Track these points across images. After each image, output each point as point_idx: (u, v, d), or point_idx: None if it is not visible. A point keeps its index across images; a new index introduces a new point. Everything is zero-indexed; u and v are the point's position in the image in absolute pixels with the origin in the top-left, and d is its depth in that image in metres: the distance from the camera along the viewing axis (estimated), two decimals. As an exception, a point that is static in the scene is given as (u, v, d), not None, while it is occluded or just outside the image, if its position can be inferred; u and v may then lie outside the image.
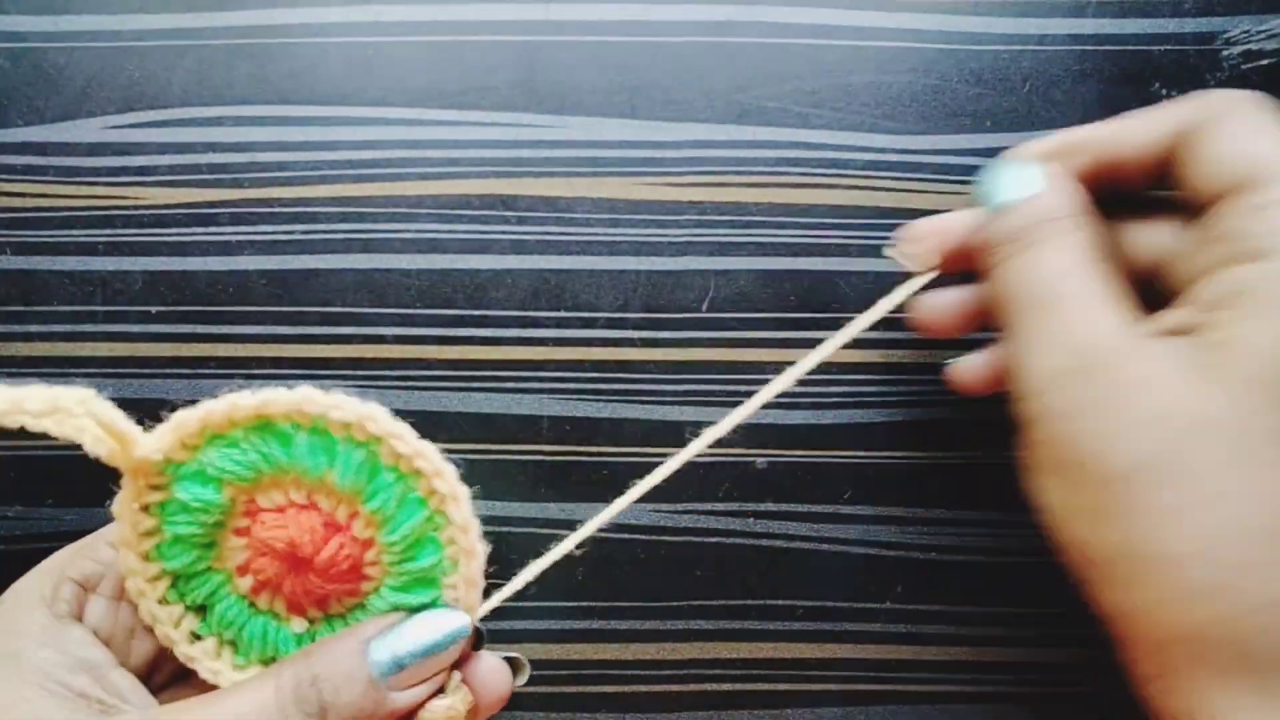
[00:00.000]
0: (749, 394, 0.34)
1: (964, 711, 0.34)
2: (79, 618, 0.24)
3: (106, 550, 0.25)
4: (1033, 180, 0.24)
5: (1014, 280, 0.23)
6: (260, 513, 0.25)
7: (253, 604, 0.26)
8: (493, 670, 0.24)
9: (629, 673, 0.34)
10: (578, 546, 0.28)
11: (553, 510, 0.34)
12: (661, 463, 0.31)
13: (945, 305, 0.28)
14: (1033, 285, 0.22)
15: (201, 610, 0.26)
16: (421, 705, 0.23)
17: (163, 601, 0.26)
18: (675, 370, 0.34)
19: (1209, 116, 0.22)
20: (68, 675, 0.22)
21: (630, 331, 0.34)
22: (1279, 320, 0.19)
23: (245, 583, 0.26)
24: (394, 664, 0.23)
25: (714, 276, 0.35)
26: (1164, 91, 0.35)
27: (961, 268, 0.28)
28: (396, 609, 0.25)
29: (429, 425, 0.33)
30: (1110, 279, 0.23)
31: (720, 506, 0.34)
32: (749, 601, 0.34)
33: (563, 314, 0.34)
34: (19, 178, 0.35)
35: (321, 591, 0.25)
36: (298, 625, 0.26)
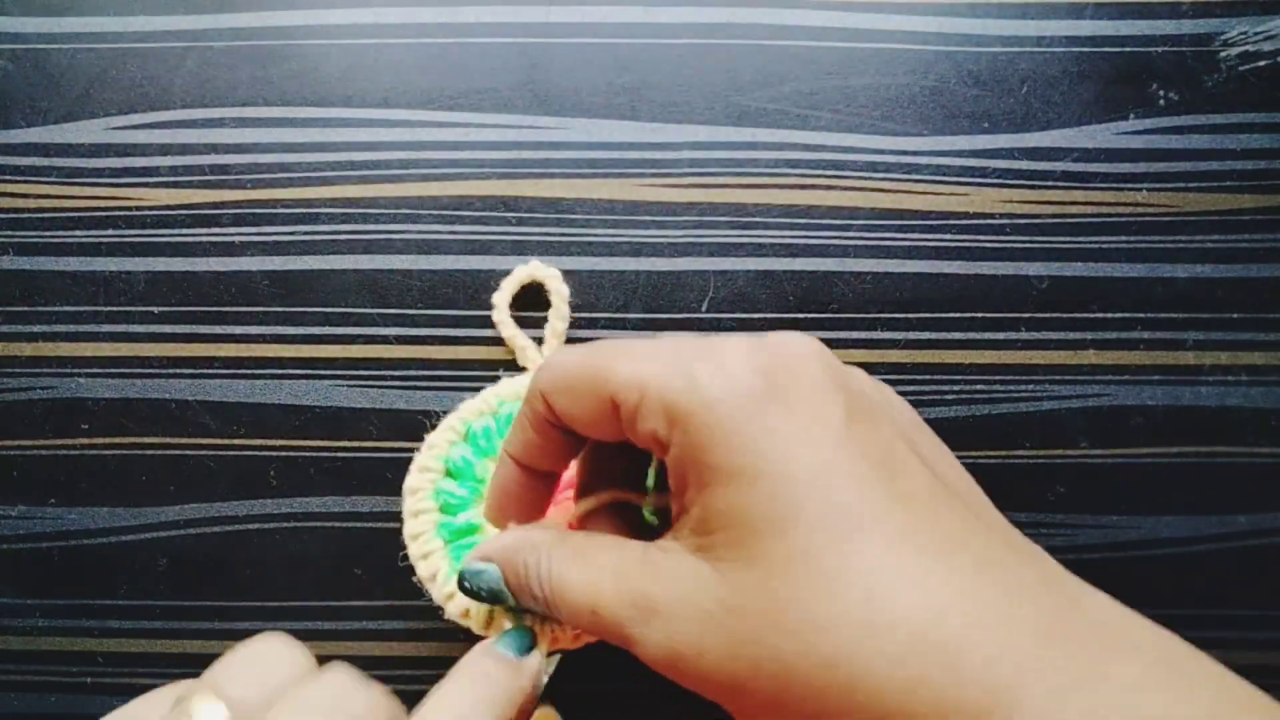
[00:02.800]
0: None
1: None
2: None
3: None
4: (489, 576, 0.25)
5: (565, 613, 0.23)
6: None
7: None
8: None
9: (629, 671, 0.34)
10: None
11: (553, 509, 0.34)
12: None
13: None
14: (574, 607, 0.23)
15: None
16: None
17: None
18: (675, 370, 0.34)
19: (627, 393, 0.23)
20: None
21: (630, 331, 0.35)
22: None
23: None
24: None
25: (714, 276, 0.35)
26: (1161, 93, 0.35)
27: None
28: None
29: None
30: (602, 546, 0.23)
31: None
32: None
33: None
34: (22, 178, 0.35)
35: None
36: None
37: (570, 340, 0.34)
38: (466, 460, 0.32)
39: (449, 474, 0.32)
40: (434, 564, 0.31)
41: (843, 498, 0.19)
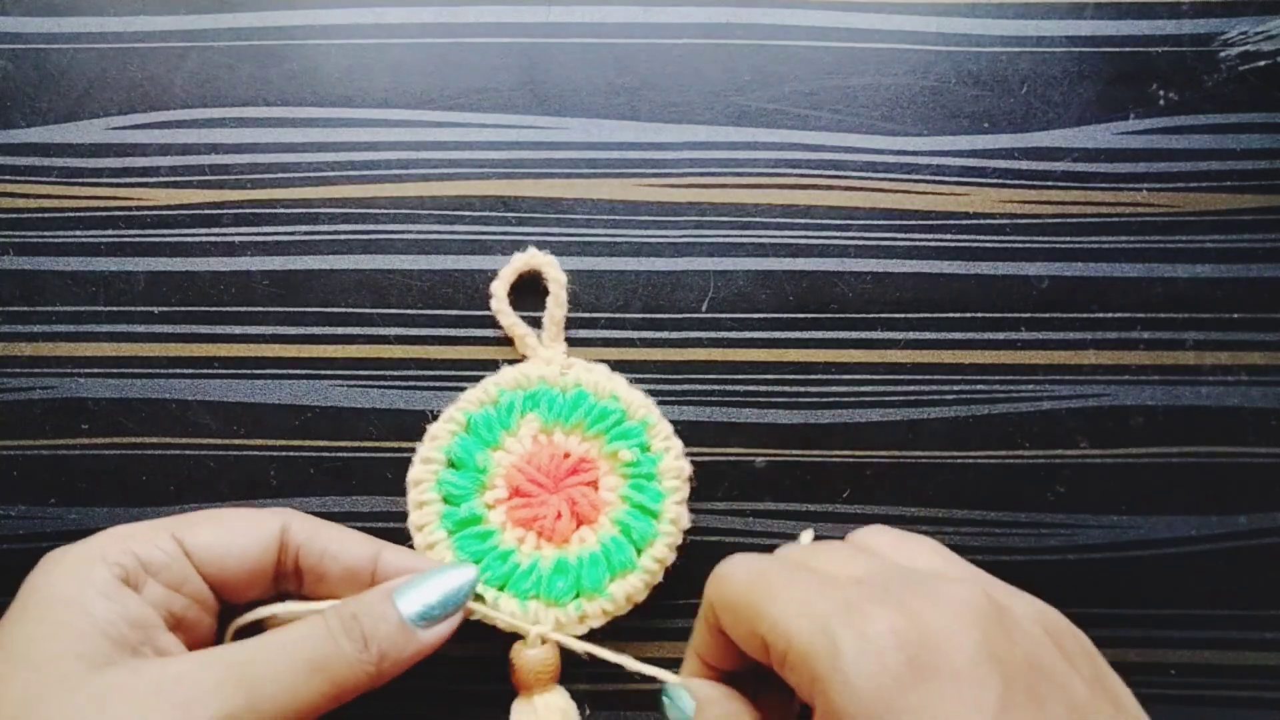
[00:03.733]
0: (749, 394, 0.34)
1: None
2: (136, 588, 0.26)
3: (169, 542, 0.27)
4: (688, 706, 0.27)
5: None
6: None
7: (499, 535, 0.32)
8: None
9: (628, 671, 0.34)
10: None
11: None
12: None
13: None
14: None
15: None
16: (444, 641, 0.28)
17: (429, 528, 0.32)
18: (675, 370, 0.34)
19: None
20: (125, 627, 0.24)
21: (630, 331, 0.35)
22: None
23: (510, 535, 0.32)
24: (424, 611, 0.27)
25: (714, 276, 0.35)
26: (1161, 93, 0.35)
27: None
28: (623, 531, 0.32)
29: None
30: None
31: (720, 505, 0.34)
32: (748, 600, 0.34)
33: (564, 315, 0.35)
34: (22, 178, 0.35)
35: (562, 516, 0.32)
36: (550, 559, 0.32)
37: (571, 341, 0.34)
38: (468, 450, 0.33)
39: (451, 465, 0.33)
40: (439, 554, 0.32)
41: None
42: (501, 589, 0.32)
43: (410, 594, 0.28)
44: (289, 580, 0.29)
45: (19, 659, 0.23)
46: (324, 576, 0.29)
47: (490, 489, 0.33)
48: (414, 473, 0.33)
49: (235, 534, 0.28)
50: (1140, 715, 0.22)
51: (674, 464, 0.33)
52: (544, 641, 0.31)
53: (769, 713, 0.26)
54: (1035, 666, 0.20)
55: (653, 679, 0.29)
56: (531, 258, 0.34)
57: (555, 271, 0.34)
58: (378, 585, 0.28)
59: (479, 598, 0.31)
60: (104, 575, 0.25)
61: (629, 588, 0.32)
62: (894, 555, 0.25)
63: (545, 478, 0.33)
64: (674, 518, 0.32)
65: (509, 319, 0.34)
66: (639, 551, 0.32)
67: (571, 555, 0.32)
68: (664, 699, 0.28)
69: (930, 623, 0.20)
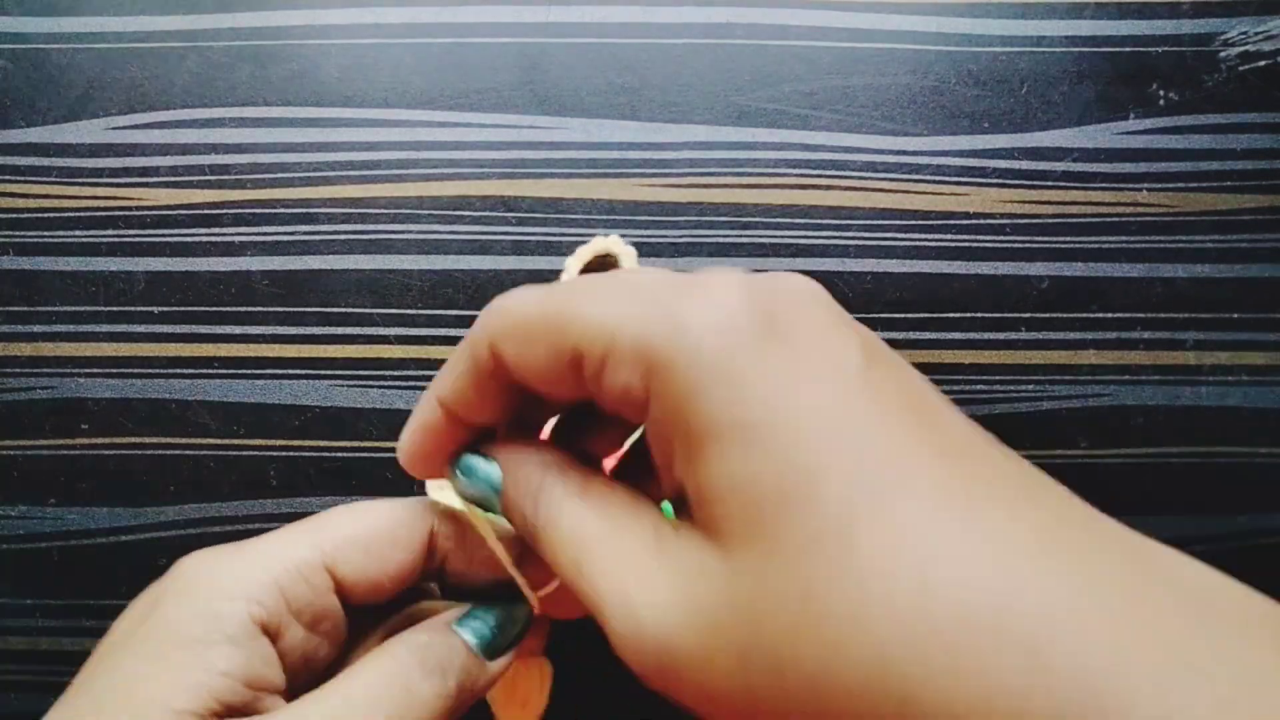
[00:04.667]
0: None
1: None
2: (274, 635, 0.22)
3: (321, 575, 0.23)
4: (491, 475, 0.22)
5: (546, 551, 0.21)
6: None
7: None
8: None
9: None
10: None
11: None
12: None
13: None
14: (559, 551, 0.20)
15: None
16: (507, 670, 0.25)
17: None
18: (675, 370, 0.34)
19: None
20: (239, 685, 0.21)
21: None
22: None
23: None
24: (483, 643, 0.24)
25: (714, 277, 0.35)
26: (1161, 93, 0.35)
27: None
28: None
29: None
30: (622, 504, 0.20)
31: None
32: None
33: (563, 314, 0.35)
34: (21, 178, 0.35)
35: None
36: None
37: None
38: None
39: None
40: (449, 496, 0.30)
41: (874, 452, 0.15)
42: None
43: (470, 626, 0.24)
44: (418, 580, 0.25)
45: (121, 698, 0.20)
46: (466, 579, 0.25)
47: None
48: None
49: (390, 551, 0.24)
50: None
51: None
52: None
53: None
54: (878, 343, 0.19)
55: None
56: (612, 243, 0.34)
57: (631, 263, 0.33)
58: (433, 619, 0.24)
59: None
60: (241, 617, 0.21)
61: None
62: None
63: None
64: None
65: None
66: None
67: None
68: (457, 475, 0.23)
69: (780, 288, 0.18)
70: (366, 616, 0.25)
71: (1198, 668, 0.13)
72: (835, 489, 0.15)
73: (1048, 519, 0.16)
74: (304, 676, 0.23)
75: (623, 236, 0.34)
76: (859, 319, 0.36)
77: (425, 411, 0.23)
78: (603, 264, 0.34)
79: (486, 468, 0.22)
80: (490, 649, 0.24)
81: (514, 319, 0.19)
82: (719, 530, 0.16)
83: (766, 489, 0.16)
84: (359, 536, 0.24)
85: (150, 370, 0.34)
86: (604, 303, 0.18)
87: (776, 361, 0.16)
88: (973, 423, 0.19)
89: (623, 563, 0.18)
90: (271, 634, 0.22)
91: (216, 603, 0.21)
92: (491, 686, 0.24)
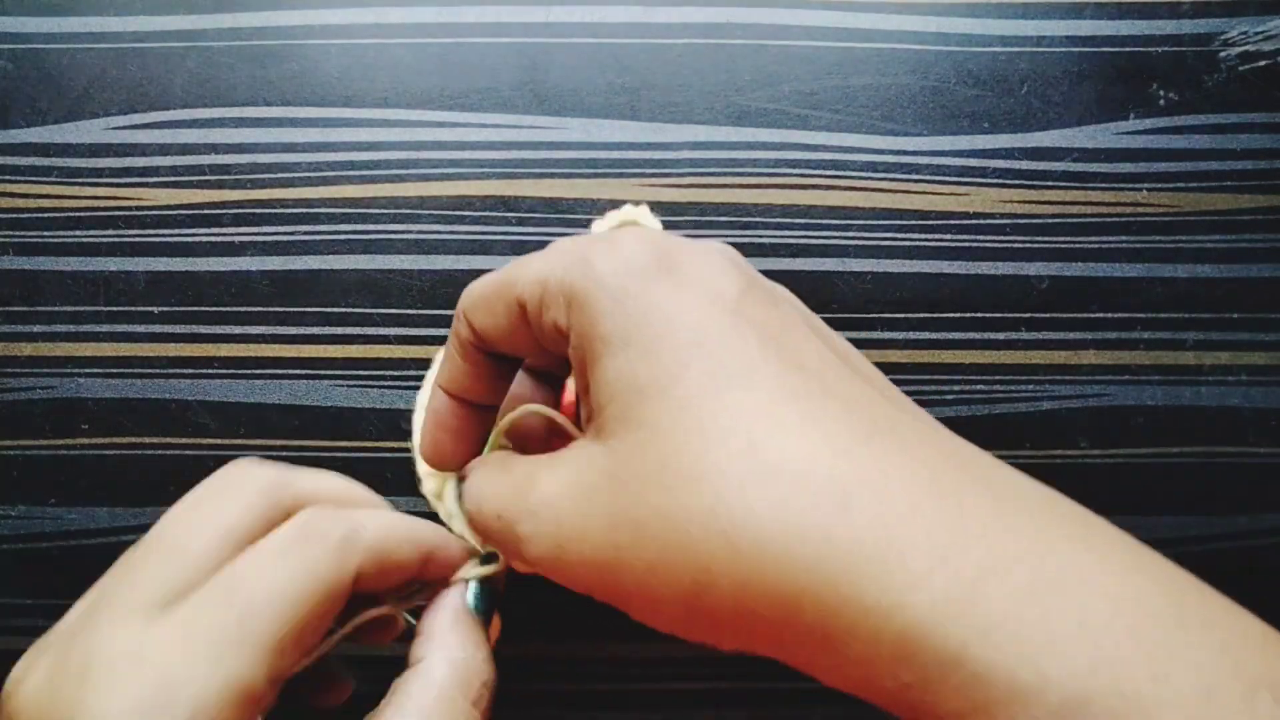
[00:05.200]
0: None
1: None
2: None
3: (271, 689, 0.22)
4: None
5: (478, 525, 0.23)
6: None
7: None
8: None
9: (628, 671, 0.34)
10: None
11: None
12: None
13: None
14: (486, 516, 0.22)
15: None
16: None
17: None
18: (675, 370, 0.34)
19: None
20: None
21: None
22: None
23: None
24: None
25: (714, 277, 0.35)
26: (1161, 93, 0.35)
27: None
28: None
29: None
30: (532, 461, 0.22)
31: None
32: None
33: (563, 314, 0.35)
34: (21, 178, 0.35)
35: None
36: None
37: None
38: None
39: None
40: (436, 484, 0.31)
41: (727, 357, 0.19)
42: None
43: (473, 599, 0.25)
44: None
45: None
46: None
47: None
48: (422, 396, 0.31)
49: (400, 573, 0.24)
50: (859, 355, 0.23)
51: None
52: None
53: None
54: (774, 287, 0.23)
55: None
56: (640, 214, 0.32)
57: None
58: (447, 616, 0.24)
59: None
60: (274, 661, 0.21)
61: None
62: None
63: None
64: None
65: None
66: None
67: None
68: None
69: (681, 240, 0.22)
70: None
71: (976, 534, 0.16)
72: (692, 382, 0.18)
73: (878, 416, 0.19)
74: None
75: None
76: (858, 319, 0.36)
77: (434, 403, 0.25)
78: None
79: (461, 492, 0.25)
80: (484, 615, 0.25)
81: (478, 290, 0.23)
82: (604, 428, 0.20)
83: (640, 383, 0.19)
84: (294, 635, 0.22)
85: (150, 370, 0.34)
86: (540, 260, 0.22)
87: (662, 289, 0.20)
88: (856, 361, 0.22)
89: (529, 491, 0.21)
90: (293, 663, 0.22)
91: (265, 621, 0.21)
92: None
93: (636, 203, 0.33)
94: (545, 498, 0.20)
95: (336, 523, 0.23)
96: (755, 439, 0.18)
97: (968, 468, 0.18)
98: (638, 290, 0.20)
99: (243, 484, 0.24)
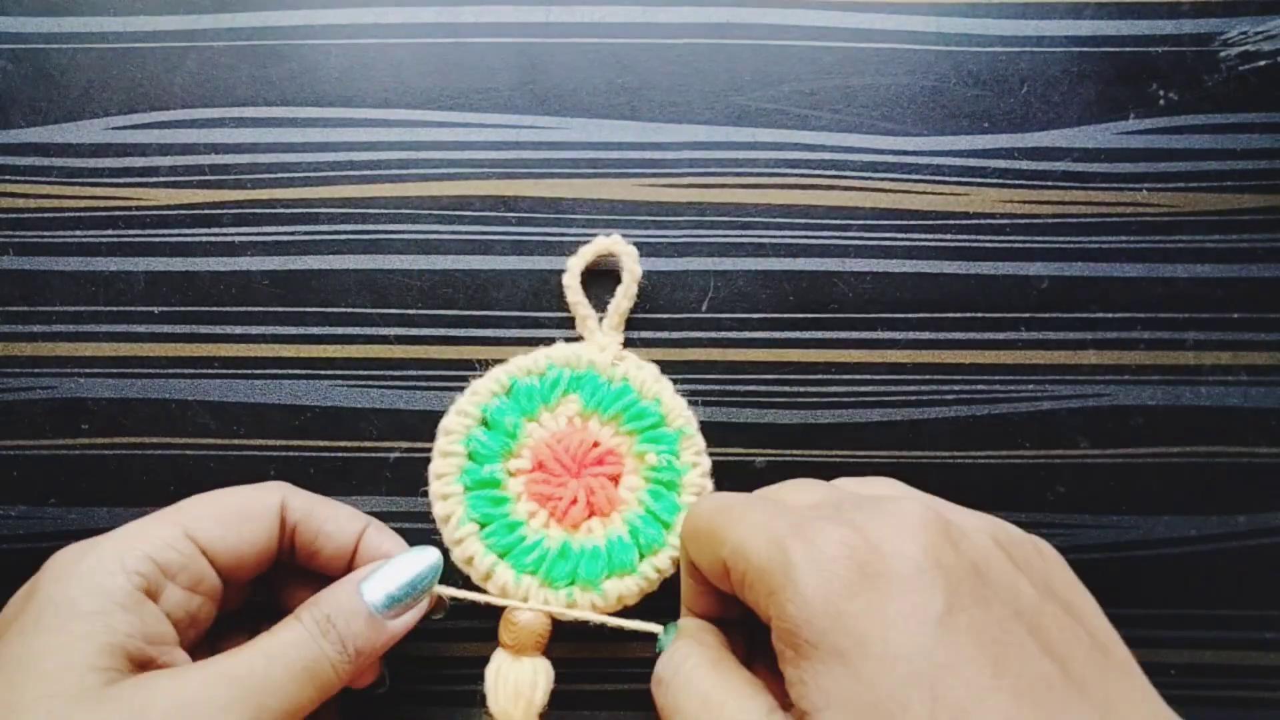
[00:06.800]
0: (749, 394, 0.34)
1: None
2: (154, 597, 0.26)
3: (185, 542, 0.27)
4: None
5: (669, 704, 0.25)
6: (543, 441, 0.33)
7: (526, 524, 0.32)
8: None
9: (629, 670, 0.34)
10: None
11: (553, 509, 0.34)
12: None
13: None
14: (683, 709, 0.24)
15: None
16: (412, 628, 0.29)
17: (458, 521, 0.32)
18: (675, 370, 0.34)
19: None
20: (141, 642, 0.25)
21: (630, 332, 0.35)
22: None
23: (524, 507, 0.32)
24: (389, 600, 0.28)
25: (714, 276, 0.35)
26: (1161, 93, 0.35)
27: None
28: (647, 509, 0.32)
29: (432, 425, 0.33)
30: (742, 680, 0.24)
31: (720, 506, 0.34)
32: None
33: (563, 314, 0.35)
34: (21, 178, 0.35)
35: (578, 502, 0.33)
36: (556, 540, 0.32)
37: (570, 335, 0.34)
38: (504, 413, 0.33)
39: (484, 423, 0.33)
40: (450, 507, 0.32)
41: (949, 689, 0.19)
42: (503, 557, 0.32)
43: (375, 583, 0.28)
44: (284, 553, 0.30)
45: (33, 669, 0.23)
46: (317, 553, 0.29)
47: (515, 457, 0.33)
48: (447, 421, 0.33)
49: (243, 521, 0.28)
50: (1095, 615, 0.23)
51: (698, 480, 0.33)
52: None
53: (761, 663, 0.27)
54: (980, 572, 0.21)
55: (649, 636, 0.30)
56: (614, 244, 0.34)
57: (631, 263, 0.33)
58: (345, 577, 0.29)
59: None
60: (124, 586, 0.25)
61: (623, 589, 0.32)
62: (853, 487, 0.26)
63: (570, 460, 0.33)
64: None
65: (576, 297, 0.34)
66: (642, 556, 0.32)
67: (576, 543, 0.32)
68: (659, 640, 0.29)
69: (877, 534, 0.21)
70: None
71: None
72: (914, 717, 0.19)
73: None
74: (192, 632, 0.27)
75: (624, 236, 0.34)
76: (858, 319, 0.36)
77: (682, 615, 0.28)
78: (604, 263, 0.34)
79: (668, 634, 0.28)
80: (391, 606, 0.28)
81: (692, 527, 0.25)
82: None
83: (861, 706, 0.19)
84: (212, 511, 0.28)
85: (150, 370, 0.34)
86: (745, 529, 0.23)
87: (867, 605, 0.20)
88: (1070, 642, 0.22)
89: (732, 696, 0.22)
90: (153, 597, 0.26)
91: (101, 579, 0.25)
92: (393, 644, 0.28)
93: (608, 232, 0.34)
94: None
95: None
96: None
97: None
98: (841, 607, 0.20)
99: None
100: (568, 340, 0.34)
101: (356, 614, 0.27)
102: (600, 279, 0.34)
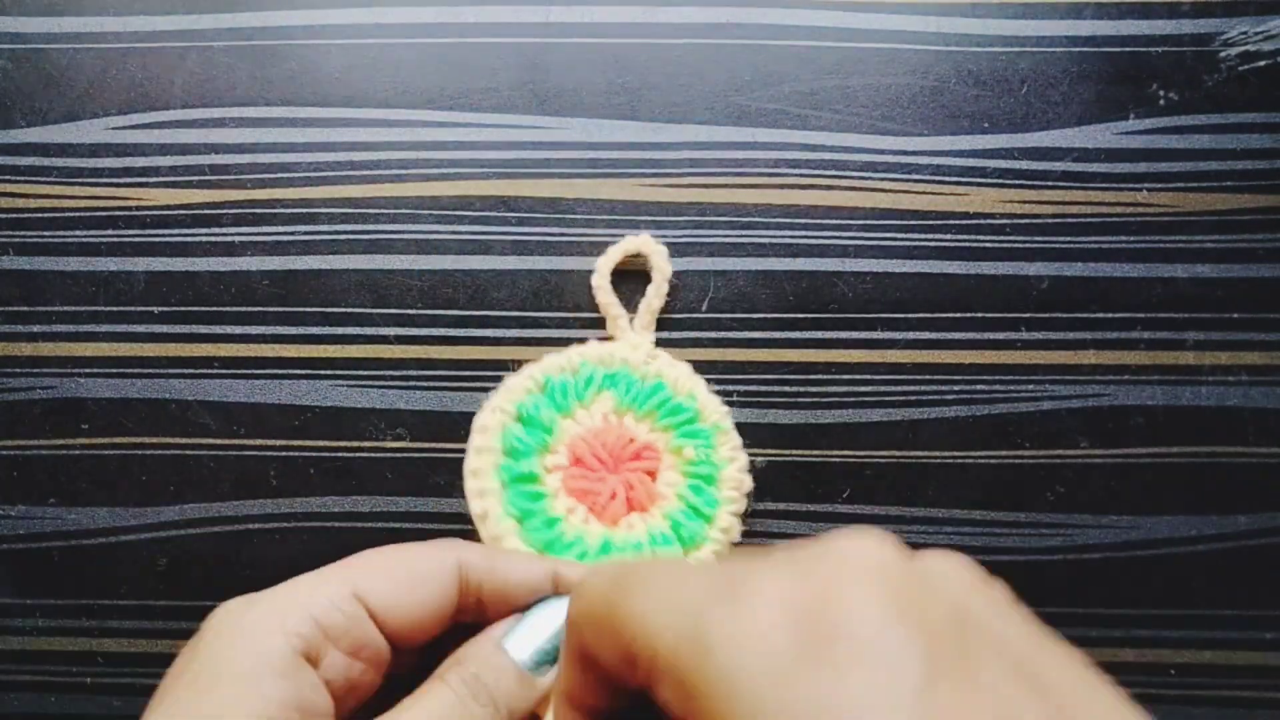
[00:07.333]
0: (749, 394, 0.34)
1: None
2: (314, 662, 0.24)
3: (353, 603, 0.24)
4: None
5: None
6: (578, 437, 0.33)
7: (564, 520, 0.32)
8: None
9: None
10: None
11: (553, 509, 0.34)
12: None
13: None
14: None
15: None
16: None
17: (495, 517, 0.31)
18: (675, 370, 0.34)
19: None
20: (293, 712, 0.22)
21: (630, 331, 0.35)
22: None
23: (561, 503, 0.32)
24: (538, 656, 0.25)
25: (714, 277, 0.35)
26: (1161, 93, 0.35)
27: None
28: (683, 500, 0.32)
29: (431, 425, 0.33)
30: None
31: (720, 506, 0.34)
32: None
33: (563, 314, 0.35)
34: (22, 178, 0.35)
35: (616, 497, 0.32)
36: (596, 536, 0.32)
37: (571, 341, 0.34)
38: (539, 409, 0.33)
39: (520, 419, 0.33)
40: (487, 503, 0.32)
41: None
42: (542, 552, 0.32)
43: (521, 639, 0.26)
44: (468, 614, 0.27)
45: None
46: (510, 604, 0.27)
47: (552, 453, 0.33)
48: (482, 418, 0.33)
49: (417, 583, 0.25)
50: (1090, 671, 0.17)
51: (736, 475, 0.33)
52: None
53: None
54: (962, 621, 0.16)
55: None
56: (643, 243, 0.34)
57: (662, 262, 0.34)
58: (482, 634, 0.26)
59: None
60: (283, 649, 0.23)
61: None
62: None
63: (608, 455, 0.33)
64: (726, 527, 0.32)
65: (606, 297, 0.34)
66: (685, 551, 0.32)
67: (618, 538, 0.32)
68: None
69: (825, 588, 0.15)
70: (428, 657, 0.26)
71: None
72: None
73: None
74: (350, 701, 0.25)
75: (621, 236, 0.34)
76: (858, 319, 0.36)
77: (555, 707, 0.22)
78: (634, 263, 0.34)
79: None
80: (541, 662, 0.25)
81: (584, 606, 0.19)
82: None
83: None
84: (385, 567, 0.25)
85: (150, 370, 0.34)
86: (652, 601, 0.17)
87: (817, 688, 0.14)
88: (1085, 698, 0.16)
89: None
90: (313, 661, 0.23)
91: (259, 639, 0.23)
92: (544, 701, 0.25)
93: (637, 231, 0.34)
94: None
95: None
96: None
97: None
98: (785, 694, 0.14)
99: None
100: (600, 340, 0.34)
101: (506, 672, 0.25)
102: (623, 279, 0.34)
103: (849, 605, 0.15)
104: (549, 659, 0.25)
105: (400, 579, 0.25)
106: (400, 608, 0.25)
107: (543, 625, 0.26)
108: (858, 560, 0.16)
